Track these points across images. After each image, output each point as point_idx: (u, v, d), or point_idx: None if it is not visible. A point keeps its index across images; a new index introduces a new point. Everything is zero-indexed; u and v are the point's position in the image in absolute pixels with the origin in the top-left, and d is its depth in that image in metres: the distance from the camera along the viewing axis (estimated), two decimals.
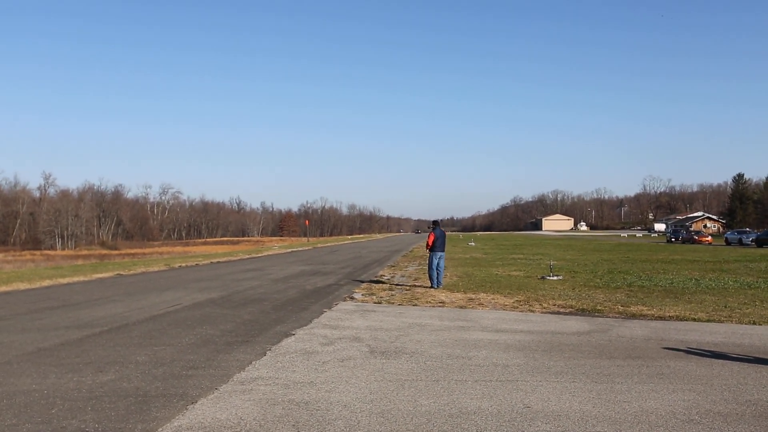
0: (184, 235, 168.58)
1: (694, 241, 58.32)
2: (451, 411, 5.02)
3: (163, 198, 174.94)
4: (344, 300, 13.15)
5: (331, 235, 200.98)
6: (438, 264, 15.68)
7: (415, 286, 16.26)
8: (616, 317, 10.56)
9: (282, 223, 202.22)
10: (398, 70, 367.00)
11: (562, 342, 8.17)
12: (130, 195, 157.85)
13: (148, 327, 9.54)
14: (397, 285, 16.61)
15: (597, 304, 12.06)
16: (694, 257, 30.95)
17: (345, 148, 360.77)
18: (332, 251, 45.23)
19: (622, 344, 8.02)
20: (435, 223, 16.49)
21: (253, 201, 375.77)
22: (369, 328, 9.30)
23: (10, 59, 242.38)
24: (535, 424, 4.69)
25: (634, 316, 10.62)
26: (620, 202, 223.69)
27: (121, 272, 22.74)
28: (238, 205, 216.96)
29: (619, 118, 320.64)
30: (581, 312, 11.18)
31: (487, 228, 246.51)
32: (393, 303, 12.55)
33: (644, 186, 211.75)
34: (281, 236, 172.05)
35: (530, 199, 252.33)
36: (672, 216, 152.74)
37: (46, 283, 18.09)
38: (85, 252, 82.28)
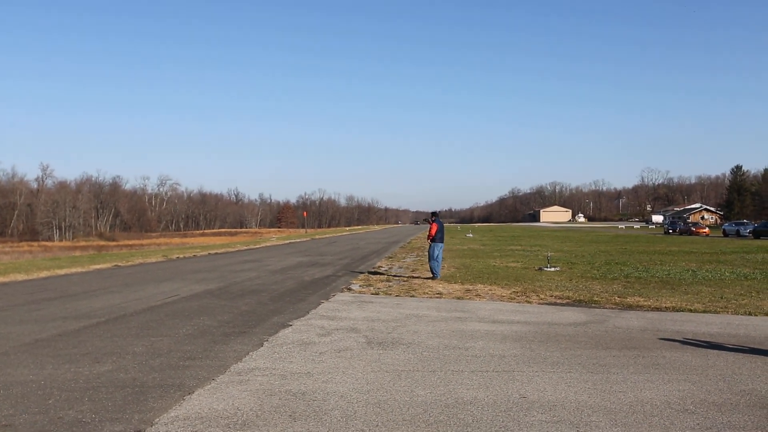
0: (182, 226, 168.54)
1: (691, 233, 58.47)
2: (448, 401, 5.03)
3: (161, 189, 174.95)
4: (342, 291, 13.17)
5: (329, 226, 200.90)
6: (438, 255, 15.74)
7: (413, 277, 16.28)
8: (612, 308, 10.59)
9: (280, 215, 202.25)
10: (397, 62, 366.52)
11: (559, 333, 8.20)
12: (128, 186, 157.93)
13: (145, 318, 9.54)
14: (394, 276, 16.63)
15: (594, 295, 12.09)
16: (691, 249, 31.01)
17: (343, 139, 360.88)
18: (330, 242, 45.24)
19: (618, 335, 8.04)
20: (434, 214, 16.51)
21: (251, 192, 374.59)
22: (366, 319, 9.31)
23: (7, 52, 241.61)
24: (531, 414, 4.71)
25: (630, 307, 10.65)
26: (618, 194, 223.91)
27: (119, 263, 22.72)
28: (236, 196, 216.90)
29: (618, 111, 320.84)
30: (578, 303, 11.21)
31: (486, 219, 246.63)
32: (390, 294, 12.57)
33: (642, 178, 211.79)
34: (279, 228, 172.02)
35: (528, 191, 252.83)
36: (670, 208, 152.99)
37: (44, 274, 18.07)
38: (83, 243, 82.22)
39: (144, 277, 16.92)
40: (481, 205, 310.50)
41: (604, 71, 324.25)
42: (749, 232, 50.07)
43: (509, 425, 4.44)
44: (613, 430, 4.35)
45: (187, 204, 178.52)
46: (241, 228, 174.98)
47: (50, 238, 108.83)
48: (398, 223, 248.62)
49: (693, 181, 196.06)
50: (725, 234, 56.03)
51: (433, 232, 15.86)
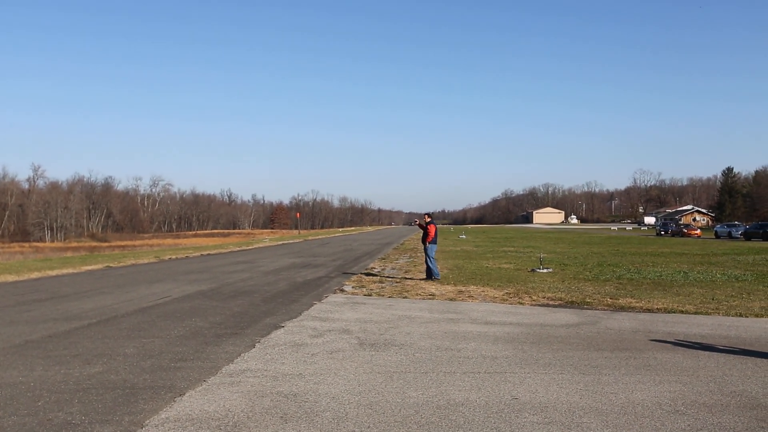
0: (174, 227, 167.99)
1: (683, 235, 58.77)
2: (440, 402, 5.03)
3: (154, 190, 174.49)
4: (334, 292, 13.15)
5: (322, 227, 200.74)
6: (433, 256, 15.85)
7: (406, 278, 16.28)
8: (604, 310, 10.62)
9: (273, 216, 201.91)
10: (390, 64, 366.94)
11: (551, 334, 8.21)
12: (120, 187, 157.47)
13: (137, 319, 9.50)
14: (387, 277, 16.62)
15: (586, 297, 12.13)
16: (683, 250, 31.16)
17: (336, 141, 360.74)
18: (323, 244, 45.18)
19: (610, 336, 8.06)
20: (429, 215, 16.50)
21: (244, 193, 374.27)
22: (358, 321, 9.30)
23: None
24: (522, 415, 4.71)
25: (622, 309, 10.69)
26: (611, 196, 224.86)
27: (111, 264, 22.61)
28: (229, 197, 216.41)
29: (610, 112, 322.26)
30: (570, 304, 11.24)
31: (479, 221, 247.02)
32: (383, 295, 12.56)
33: (634, 179, 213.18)
34: (272, 229, 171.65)
35: (521, 193, 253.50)
36: (662, 209, 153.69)
37: (35, 275, 17.96)
38: (74, 244, 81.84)
39: (136, 278, 16.84)
40: (474, 206, 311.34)
41: (597, 73, 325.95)
42: (741, 234, 50.38)
43: (501, 426, 4.44)
44: (604, 431, 4.36)
45: (180, 205, 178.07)
46: (234, 229, 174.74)
47: (42, 239, 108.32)
48: (391, 225, 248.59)
49: (685, 182, 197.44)
50: (717, 236, 56.33)
51: (433, 234, 15.91)
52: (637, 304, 11.12)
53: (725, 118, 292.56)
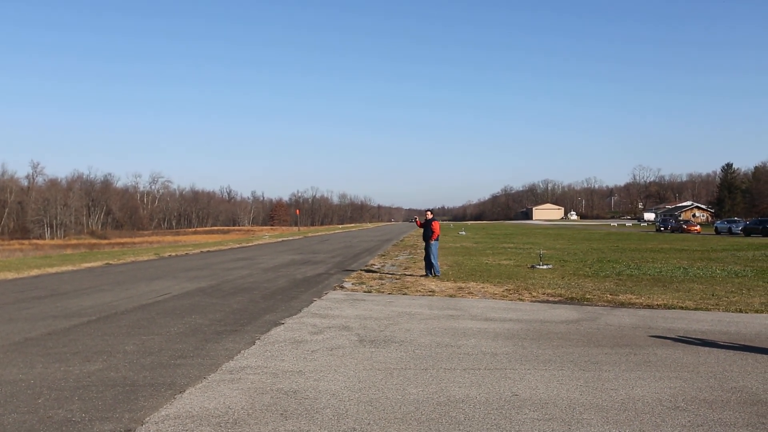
0: (174, 224, 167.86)
1: (683, 231, 58.73)
2: (440, 399, 5.03)
3: (153, 187, 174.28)
4: (334, 289, 13.15)
5: (321, 224, 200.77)
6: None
7: (405, 275, 16.28)
8: (604, 306, 10.62)
9: (273, 213, 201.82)
10: (390, 60, 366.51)
11: (551, 330, 8.21)
12: (119, 184, 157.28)
13: (136, 316, 9.49)
14: (387, 274, 16.62)
15: (586, 293, 12.13)
16: (682, 246, 31.17)
17: (336, 137, 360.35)
18: (323, 240, 45.18)
19: (610, 332, 8.06)
20: (432, 212, 16.46)
21: (243, 190, 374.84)
22: (358, 317, 9.30)
23: None
24: (522, 411, 4.71)
25: (622, 305, 10.68)
26: (610, 192, 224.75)
27: (111, 261, 22.60)
28: (229, 194, 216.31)
29: (610, 108, 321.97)
30: (570, 301, 11.24)
31: (478, 217, 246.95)
32: (383, 292, 12.55)
33: (634, 176, 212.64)
34: (272, 226, 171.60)
35: (521, 189, 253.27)
36: (661, 205, 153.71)
37: (34, 272, 17.95)
38: (74, 241, 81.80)
39: (135, 276, 16.84)
40: (474, 203, 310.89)
41: (597, 69, 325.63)
42: (741, 230, 50.39)
43: (501, 423, 4.44)
44: (604, 427, 4.36)
45: (180, 202, 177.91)
46: (233, 226, 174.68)
47: (41, 236, 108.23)
48: (391, 221, 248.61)
49: (684, 178, 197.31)
50: (717, 231, 56.34)
51: (438, 231, 15.85)
52: (637, 300, 11.12)
53: (725, 114, 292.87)
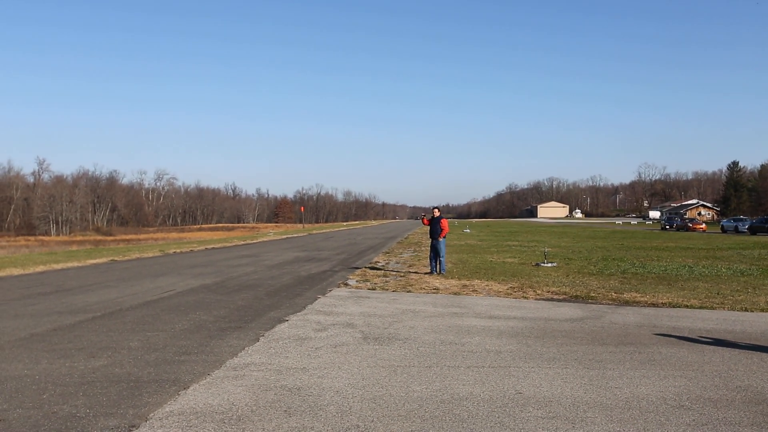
0: (179, 221, 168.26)
1: (688, 229, 58.46)
2: (443, 397, 5.03)
3: (158, 184, 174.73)
4: (338, 286, 13.15)
5: (326, 221, 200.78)
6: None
7: (410, 272, 16.27)
8: (609, 304, 10.59)
9: (277, 210, 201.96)
10: (395, 59, 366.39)
11: (555, 328, 8.19)
12: (125, 181, 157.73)
13: (141, 313, 9.52)
14: (391, 271, 16.62)
15: (590, 291, 12.10)
16: (687, 245, 31.06)
17: (341, 135, 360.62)
18: (327, 238, 45.21)
19: (614, 331, 8.04)
20: (439, 209, 16.41)
21: (248, 187, 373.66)
22: (363, 315, 9.30)
23: (4, 46, 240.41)
24: (526, 409, 4.70)
25: (627, 303, 10.65)
26: (615, 190, 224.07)
27: (116, 258, 22.67)
28: (234, 191, 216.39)
29: (615, 107, 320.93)
30: (575, 299, 11.22)
31: (483, 215, 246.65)
32: (387, 289, 12.55)
33: (639, 173, 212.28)
34: (276, 223, 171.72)
35: (526, 187, 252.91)
36: (667, 203, 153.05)
37: (40, 268, 18.03)
38: (79, 238, 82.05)
39: (140, 272, 16.89)
40: (479, 200, 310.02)
41: (602, 67, 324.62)
42: (747, 228, 50.14)
43: (505, 421, 4.44)
44: (608, 426, 4.35)
45: (185, 199, 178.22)
46: (238, 223, 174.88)
47: (47, 233, 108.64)
48: (396, 219, 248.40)
49: (690, 177, 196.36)
50: (723, 230, 55.98)
51: (448, 228, 15.87)
52: (642, 299, 11.09)
53: (730, 112, 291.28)
